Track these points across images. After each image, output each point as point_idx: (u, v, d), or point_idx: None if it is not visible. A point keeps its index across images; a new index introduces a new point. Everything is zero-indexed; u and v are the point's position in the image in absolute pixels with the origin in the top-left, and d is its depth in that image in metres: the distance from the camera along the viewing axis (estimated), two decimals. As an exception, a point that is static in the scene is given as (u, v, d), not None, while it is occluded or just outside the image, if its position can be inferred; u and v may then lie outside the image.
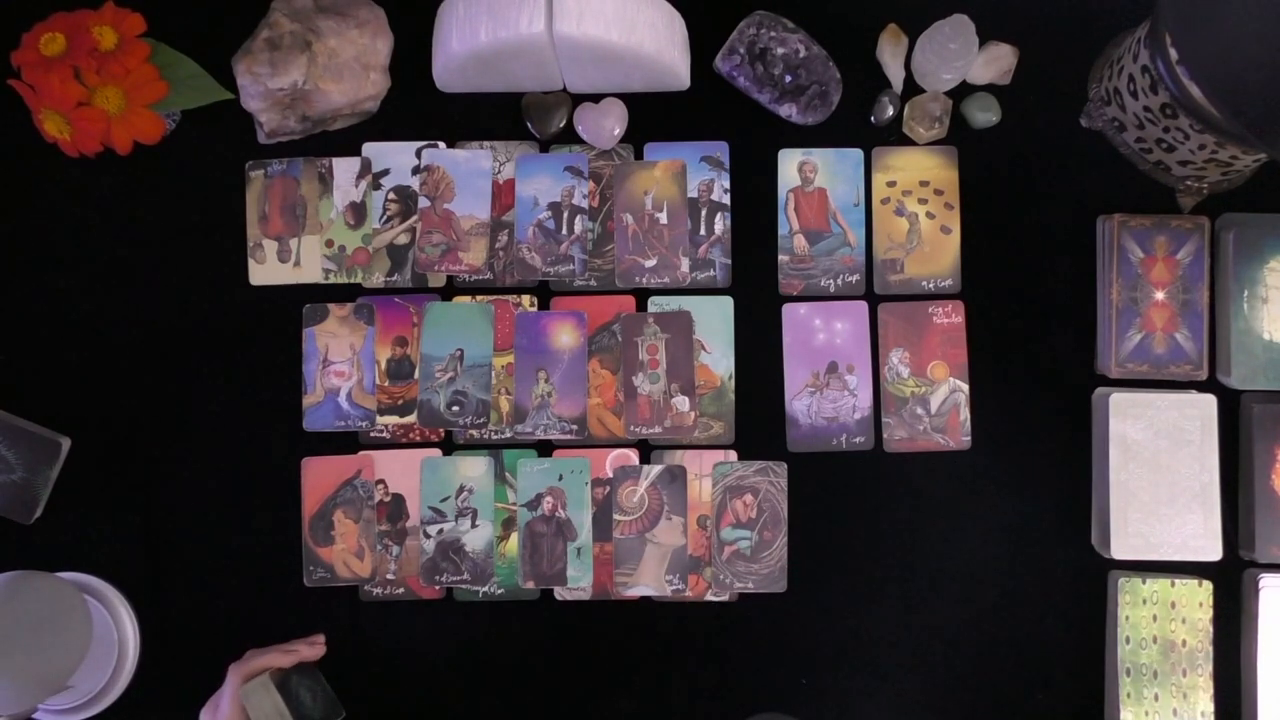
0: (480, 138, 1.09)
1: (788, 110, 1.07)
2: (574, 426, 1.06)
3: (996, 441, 1.07)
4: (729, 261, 1.08)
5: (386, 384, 1.06)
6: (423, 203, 1.08)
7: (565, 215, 1.08)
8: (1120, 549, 1.02)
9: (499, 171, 1.08)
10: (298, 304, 1.07)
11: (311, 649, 0.98)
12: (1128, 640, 1.02)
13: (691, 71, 1.07)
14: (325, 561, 1.05)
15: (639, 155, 1.09)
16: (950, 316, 1.07)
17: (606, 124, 1.07)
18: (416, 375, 1.07)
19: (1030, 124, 1.09)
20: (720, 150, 1.08)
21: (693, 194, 1.08)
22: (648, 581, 1.06)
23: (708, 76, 1.08)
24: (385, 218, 1.08)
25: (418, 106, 1.09)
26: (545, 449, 1.07)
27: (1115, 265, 1.05)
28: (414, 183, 1.08)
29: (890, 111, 1.08)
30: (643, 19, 1.00)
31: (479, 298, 1.08)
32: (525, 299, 1.08)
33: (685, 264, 1.07)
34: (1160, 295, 1.05)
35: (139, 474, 1.06)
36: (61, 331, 1.07)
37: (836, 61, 1.07)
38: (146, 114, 1.01)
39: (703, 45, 1.07)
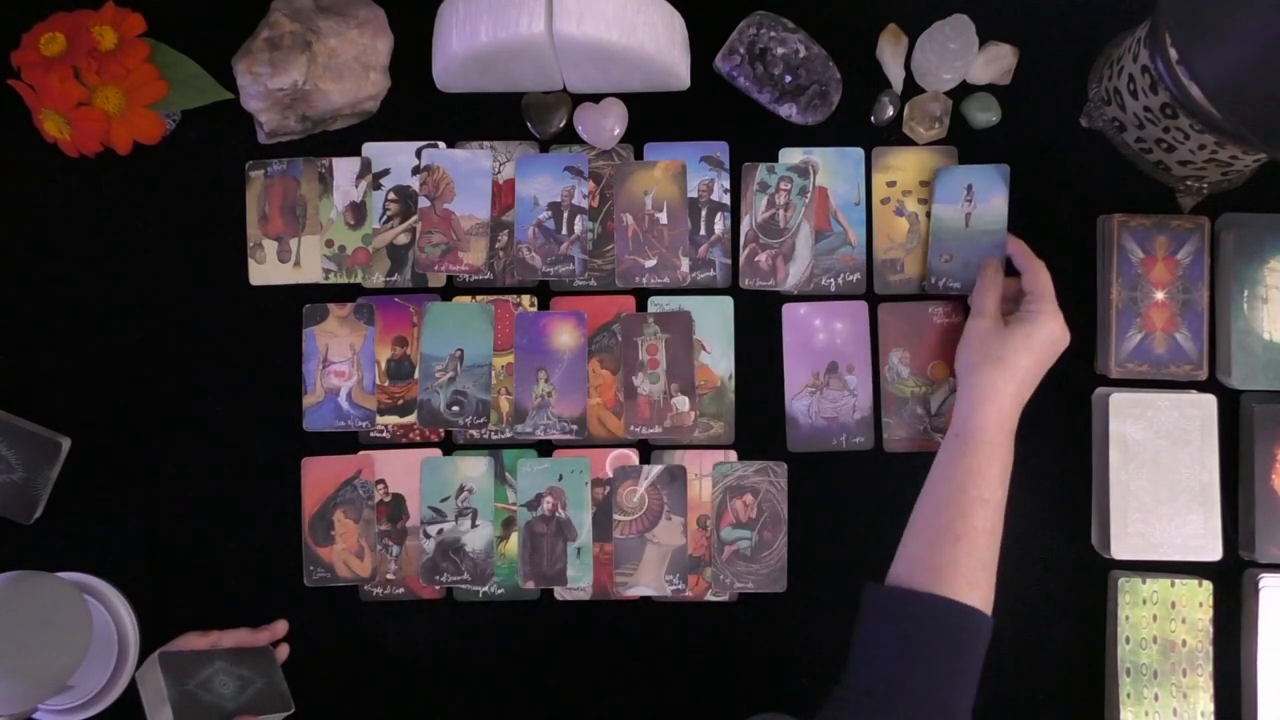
0: (480, 138, 1.09)
1: (788, 110, 1.07)
2: (574, 426, 1.06)
3: (996, 441, 1.07)
4: (729, 261, 1.08)
5: (386, 384, 1.06)
6: (423, 203, 1.08)
7: (565, 215, 1.08)
8: (1120, 549, 1.02)
9: (499, 171, 1.08)
10: (298, 304, 1.07)
11: (253, 636, 1.01)
12: (1128, 640, 1.02)
13: (691, 71, 1.07)
14: (325, 561, 1.05)
15: (639, 155, 1.09)
16: (950, 316, 1.07)
17: (606, 124, 1.07)
18: (416, 375, 1.06)
19: (1030, 124, 1.09)
20: (720, 150, 1.08)
21: (693, 194, 1.08)
22: (648, 581, 1.05)
23: (708, 76, 1.08)
24: (385, 218, 1.08)
25: (418, 106, 1.09)
26: (545, 449, 1.07)
27: (1115, 265, 1.04)
28: (414, 183, 1.08)
29: (890, 111, 1.08)
30: (643, 19, 1.00)
31: (479, 298, 1.08)
32: (525, 299, 1.08)
33: (685, 264, 1.07)
34: (1160, 295, 1.05)
35: (139, 474, 1.06)
36: (61, 331, 1.07)
37: (836, 61, 1.07)
38: (146, 114, 1.01)
39: (703, 45, 1.07)
